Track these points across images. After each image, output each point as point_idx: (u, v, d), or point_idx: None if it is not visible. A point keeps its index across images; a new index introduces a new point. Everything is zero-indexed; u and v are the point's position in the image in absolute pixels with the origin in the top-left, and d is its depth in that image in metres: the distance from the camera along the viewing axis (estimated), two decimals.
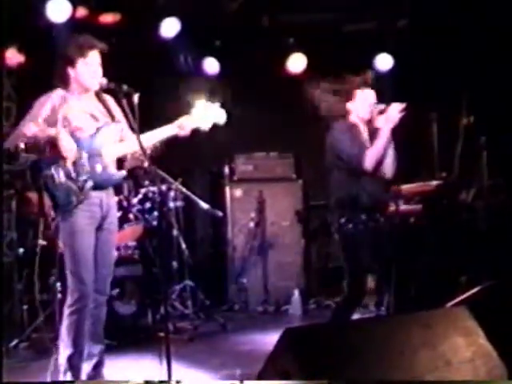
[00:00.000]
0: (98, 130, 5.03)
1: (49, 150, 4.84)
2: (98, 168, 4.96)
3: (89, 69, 5.00)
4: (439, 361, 3.59)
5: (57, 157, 4.85)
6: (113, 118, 5.14)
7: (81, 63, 4.98)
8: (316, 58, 8.96)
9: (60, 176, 4.85)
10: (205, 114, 5.10)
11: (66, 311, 4.95)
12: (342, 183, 5.63)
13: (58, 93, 5.03)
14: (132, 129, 4.89)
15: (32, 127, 4.84)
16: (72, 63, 4.99)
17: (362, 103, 5.71)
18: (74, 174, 4.87)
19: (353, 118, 5.73)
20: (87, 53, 4.98)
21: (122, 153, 5.11)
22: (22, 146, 4.87)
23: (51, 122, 4.91)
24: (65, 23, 7.64)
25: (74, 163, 4.88)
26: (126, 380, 5.18)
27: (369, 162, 5.50)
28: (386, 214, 5.78)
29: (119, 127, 5.14)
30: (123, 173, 5.19)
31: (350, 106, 5.73)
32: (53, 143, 4.84)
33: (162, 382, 4.55)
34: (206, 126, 5.11)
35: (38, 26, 7.70)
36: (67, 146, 4.84)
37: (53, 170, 4.85)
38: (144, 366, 5.67)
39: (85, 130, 5.00)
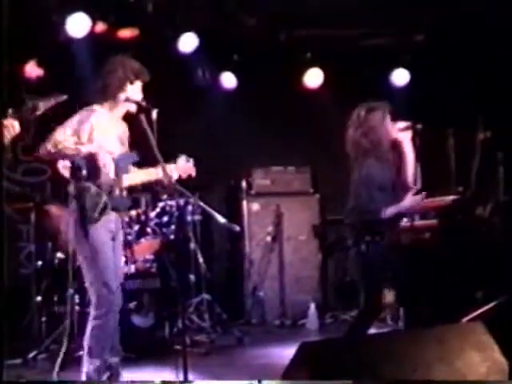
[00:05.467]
0: (121, 155, 5.16)
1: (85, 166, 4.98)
2: (117, 191, 5.09)
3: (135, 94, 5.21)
4: (454, 376, 3.60)
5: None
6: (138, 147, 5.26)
7: (130, 86, 5.19)
8: (333, 72, 9.00)
9: (93, 190, 4.96)
10: (183, 167, 5.34)
11: (93, 323, 5.01)
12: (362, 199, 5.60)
13: (99, 110, 5.18)
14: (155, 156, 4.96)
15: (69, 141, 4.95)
16: (123, 84, 5.19)
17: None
18: (102, 192, 5.00)
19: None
20: (136, 80, 5.22)
21: (138, 181, 5.27)
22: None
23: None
24: (84, 38, 7.71)
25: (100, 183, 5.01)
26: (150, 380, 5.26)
27: (387, 214, 5.50)
28: (401, 229, 5.78)
29: (134, 158, 5.28)
30: (129, 201, 5.33)
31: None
32: (91, 159, 4.95)
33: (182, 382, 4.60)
34: (175, 176, 5.26)
35: (57, 40, 7.77)
36: (106, 163, 4.97)
37: (90, 183, 4.97)
38: (161, 379, 5.70)
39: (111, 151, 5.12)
